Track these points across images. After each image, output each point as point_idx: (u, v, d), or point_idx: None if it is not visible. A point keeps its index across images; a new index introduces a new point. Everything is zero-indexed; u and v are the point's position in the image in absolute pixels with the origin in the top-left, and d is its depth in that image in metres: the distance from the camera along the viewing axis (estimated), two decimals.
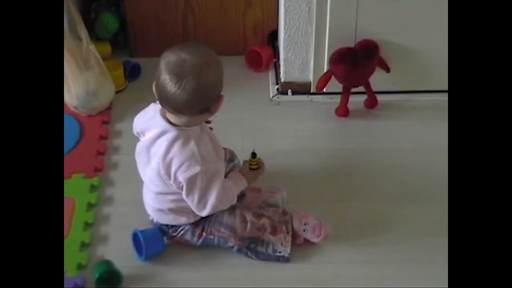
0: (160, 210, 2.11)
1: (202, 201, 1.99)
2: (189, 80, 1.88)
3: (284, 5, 2.58)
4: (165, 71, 1.90)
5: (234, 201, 2.09)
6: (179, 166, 1.96)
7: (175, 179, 1.98)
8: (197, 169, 1.95)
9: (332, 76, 2.58)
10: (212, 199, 1.99)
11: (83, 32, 2.61)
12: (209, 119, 2.11)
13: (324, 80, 2.57)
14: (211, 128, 2.16)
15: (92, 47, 2.63)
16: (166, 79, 1.89)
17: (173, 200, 2.05)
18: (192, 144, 1.96)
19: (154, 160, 2.01)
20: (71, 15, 2.58)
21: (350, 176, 2.41)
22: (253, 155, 2.18)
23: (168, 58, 1.91)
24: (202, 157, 1.96)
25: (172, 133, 1.97)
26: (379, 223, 2.25)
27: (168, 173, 1.98)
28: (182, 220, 2.10)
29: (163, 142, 1.98)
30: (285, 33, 2.64)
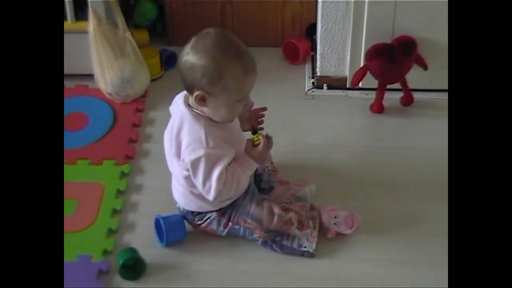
0: (185, 196, 2.11)
1: (206, 185, 1.98)
2: (188, 55, 1.92)
3: None
4: None
5: (244, 184, 2.05)
6: (186, 147, 1.97)
7: (183, 160, 1.98)
8: (201, 152, 1.94)
9: (368, 72, 2.55)
10: (215, 184, 1.96)
11: (120, 19, 2.62)
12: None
13: (359, 75, 2.55)
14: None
15: (128, 34, 2.64)
16: None
17: (193, 184, 2.05)
18: (200, 128, 1.96)
19: (172, 141, 2.02)
20: (108, 1, 2.59)
21: (382, 173, 2.38)
22: (253, 131, 2.07)
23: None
24: (208, 142, 1.95)
25: (186, 114, 1.98)
26: (409, 222, 2.21)
27: (178, 154, 2.00)
28: (206, 207, 2.10)
29: (177, 123, 2.00)
30: (322, 27, 2.61)
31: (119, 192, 2.32)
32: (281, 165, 2.34)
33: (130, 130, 2.55)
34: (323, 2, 2.56)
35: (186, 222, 2.16)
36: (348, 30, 2.60)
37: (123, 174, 2.38)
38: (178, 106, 2.02)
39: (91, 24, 2.59)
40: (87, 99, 2.67)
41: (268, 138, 2.05)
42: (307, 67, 2.84)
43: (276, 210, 2.10)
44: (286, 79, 2.79)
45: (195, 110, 1.99)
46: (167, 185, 2.20)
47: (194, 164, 1.96)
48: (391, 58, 2.50)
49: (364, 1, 2.51)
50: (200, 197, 2.07)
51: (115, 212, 2.25)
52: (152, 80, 2.74)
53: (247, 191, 2.14)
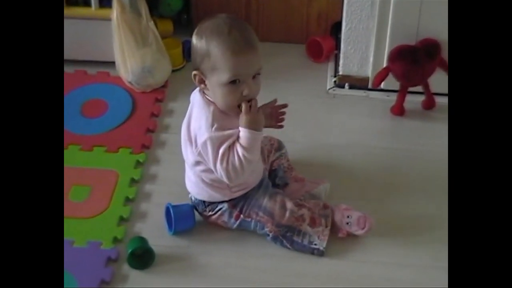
0: (196, 184, 2.10)
1: (217, 168, 1.97)
2: (192, 38, 1.97)
3: None
4: None
5: (250, 160, 1.96)
6: (196, 131, 1.98)
7: (196, 145, 1.99)
8: (206, 135, 1.95)
9: (390, 74, 2.52)
10: (220, 165, 1.95)
11: (144, 8, 2.61)
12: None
13: (380, 76, 2.52)
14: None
15: (151, 24, 2.63)
16: None
17: (203, 171, 2.04)
18: (209, 112, 1.96)
19: (185, 126, 2.04)
20: None
21: (398, 176, 2.36)
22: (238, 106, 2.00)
23: None
24: (213, 125, 1.95)
25: (198, 99, 2.00)
26: (423, 226, 2.19)
27: (190, 139, 2.01)
28: (217, 196, 2.09)
29: (190, 108, 2.03)
30: (346, 25, 2.59)
31: (133, 181, 2.31)
32: (297, 162, 2.32)
33: (148, 119, 2.54)
34: (348, 1, 2.54)
35: (197, 214, 2.15)
36: (372, 30, 2.57)
37: (138, 163, 2.37)
38: (195, 92, 2.04)
39: (114, 12, 2.58)
40: (107, 86, 2.67)
41: (249, 102, 1.96)
42: (330, 66, 2.82)
43: (289, 205, 2.08)
44: (308, 77, 2.77)
45: (207, 97, 2.00)
46: (182, 176, 2.19)
47: (203, 148, 1.97)
48: (414, 61, 2.47)
49: (390, 1, 2.49)
50: (211, 185, 2.07)
51: (127, 200, 2.24)
52: (173, 71, 2.73)
53: (260, 185, 2.12)
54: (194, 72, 1.97)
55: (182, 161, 2.15)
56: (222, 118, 1.97)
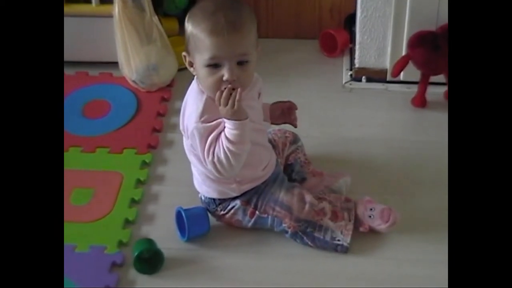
0: (203, 182, 1.96)
1: (205, 161, 1.84)
2: None
3: None
4: None
5: (241, 149, 1.81)
6: (188, 118, 1.86)
7: (188, 135, 1.88)
8: (193, 125, 1.83)
9: (410, 62, 2.36)
10: (206, 158, 1.83)
11: (147, 2, 2.47)
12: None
13: (400, 64, 2.36)
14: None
15: (155, 19, 2.49)
16: None
17: (204, 166, 1.91)
18: (201, 101, 1.84)
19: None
20: None
21: (422, 169, 2.20)
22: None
23: None
24: (202, 115, 1.82)
25: (193, 87, 1.89)
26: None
27: (183, 127, 1.89)
28: (226, 192, 1.95)
29: (186, 97, 1.92)
30: (361, 13, 2.44)
31: (139, 182, 2.16)
32: (315, 158, 2.17)
33: (154, 119, 2.40)
34: None
35: (210, 216, 1.99)
36: (389, 17, 2.41)
37: (144, 164, 2.22)
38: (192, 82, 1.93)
39: (116, 7, 2.45)
40: (110, 87, 2.53)
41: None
42: (345, 60, 2.67)
43: (308, 197, 1.93)
44: (322, 72, 2.62)
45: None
46: (190, 176, 2.04)
47: (192, 139, 1.85)
48: (435, 47, 2.31)
49: None
50: (217, 181, 1.93)
51: (133, 202, 2.10)
52: (179, 70, 2.58)
53: (275, 179, 1.98)
54: (184, 53, 1.87)
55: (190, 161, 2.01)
56: (215, 108, 1.82)
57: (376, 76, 2.54)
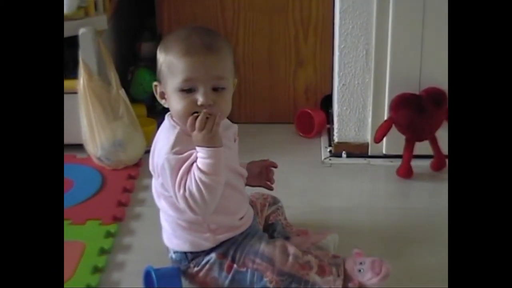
0: (173, 233, 1.78)
1: (177, 197, 1.66)
2: None
3: (339, 47, 2.28)
4: None
5: (216, 181, 1.64)
6: (157, 154, 1.70)
7: (158, 173, 1.71)
8: (164, 156, 1.66)
9: (394, 127, 2.23)
10: (178, 192, 1.65)
11: (113, 75, 2.35)
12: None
13: (383, 129, 2.23)
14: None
15: (122, 92, 2.35)
16: None
17: (175, 211, 1.74)
18: (173, 135, 1.69)
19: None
20: (101, 55, 2.33)
21: (407, 238, 2.02)
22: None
23: None
24: (173, 147, 1.66)
25: (164, 124, 1.75)
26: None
27: (153, 167, 1.73)
28: (199, 242, 1.75)
29: (157, 136, 1.77)
30: (340, 82, 2.33)
31: (102, 251, 1.95)
32: (297, 225, 1.99)
33: (120, 194, 2.21)
34: (341, 51, 2.29)
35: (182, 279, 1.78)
36: (368, 85, 2.31)
37: (109, 234, 2.02)
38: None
39: (81, 81, 2.31)
40: (72, 166, 2.34)
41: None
42: (323, 139, 2.53)
43: (292, 249, 1.73)
44: (299, 150, 2.48)
45: (174, 119, 1.73)
46: (160, 244, 1.84)
47: (162, 174, 1.68)
48: (420, 109, 2.20)
49: (387, 50, 2.24)
50: (189, 229, 1.75)
51: (96, 269, 1.88)
52: (147, 152, 2.41)
53: (254, 234, 1.79)
54: (155, 83, 1.75)
55: (161, 230, 1.82)
56: (187, 142, 1.67)
57: (356, 151, 2.40)
